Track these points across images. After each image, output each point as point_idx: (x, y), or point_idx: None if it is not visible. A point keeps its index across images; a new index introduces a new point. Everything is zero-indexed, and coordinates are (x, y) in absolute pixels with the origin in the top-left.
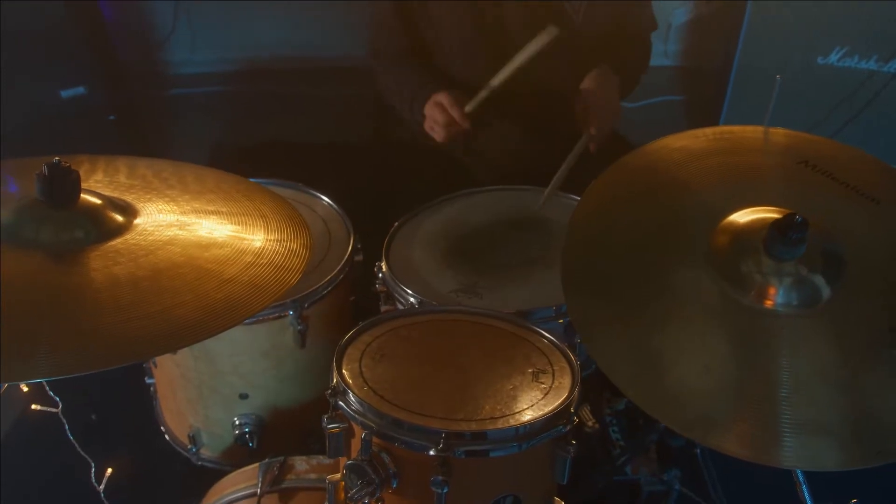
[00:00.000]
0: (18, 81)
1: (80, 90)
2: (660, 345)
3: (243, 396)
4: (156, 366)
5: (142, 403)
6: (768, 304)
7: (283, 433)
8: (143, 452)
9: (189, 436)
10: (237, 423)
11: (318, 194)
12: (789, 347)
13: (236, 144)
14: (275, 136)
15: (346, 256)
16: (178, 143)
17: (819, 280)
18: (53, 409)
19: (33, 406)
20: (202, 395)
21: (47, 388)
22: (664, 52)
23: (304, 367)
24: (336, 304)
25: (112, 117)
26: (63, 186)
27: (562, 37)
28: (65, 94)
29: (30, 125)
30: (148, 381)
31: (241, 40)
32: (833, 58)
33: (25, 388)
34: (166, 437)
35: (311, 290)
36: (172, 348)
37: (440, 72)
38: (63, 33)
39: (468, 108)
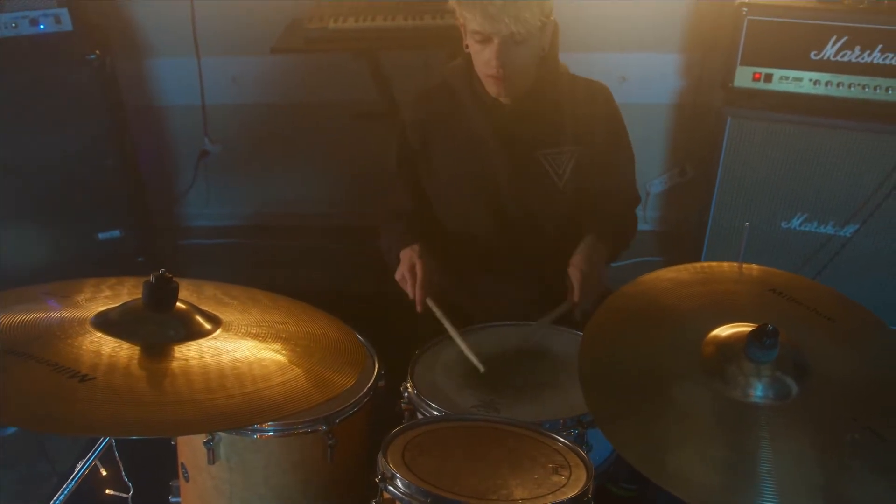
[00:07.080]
0: (62, 222)
1: (116, 233)
2: (662, 432)
3: None
4: (188, 480)
5: None
6: (750, 397)
7: None
8: None
9: None
10: None
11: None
12: (768, 432)
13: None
14: (285, 285)
15: (373, 380)
16: None
17: (789, 380)
18: (124, 495)
19: (107, 491)
20: None
21: (123, 474)
22: (644, 217)
23: (329, 483)
24: (360, 424)
25: (141, 259)
26: (164, 293)
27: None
28: (102, 236)
29: (69, 261)
30: (172, 500)
31: (252, 197)
32: (795, 223)
33: (104, 472)
34: None
35: (341, 408)
36: (248, 423)
37: (440, 225)
38: (106, 182)
39: (419, 309)
